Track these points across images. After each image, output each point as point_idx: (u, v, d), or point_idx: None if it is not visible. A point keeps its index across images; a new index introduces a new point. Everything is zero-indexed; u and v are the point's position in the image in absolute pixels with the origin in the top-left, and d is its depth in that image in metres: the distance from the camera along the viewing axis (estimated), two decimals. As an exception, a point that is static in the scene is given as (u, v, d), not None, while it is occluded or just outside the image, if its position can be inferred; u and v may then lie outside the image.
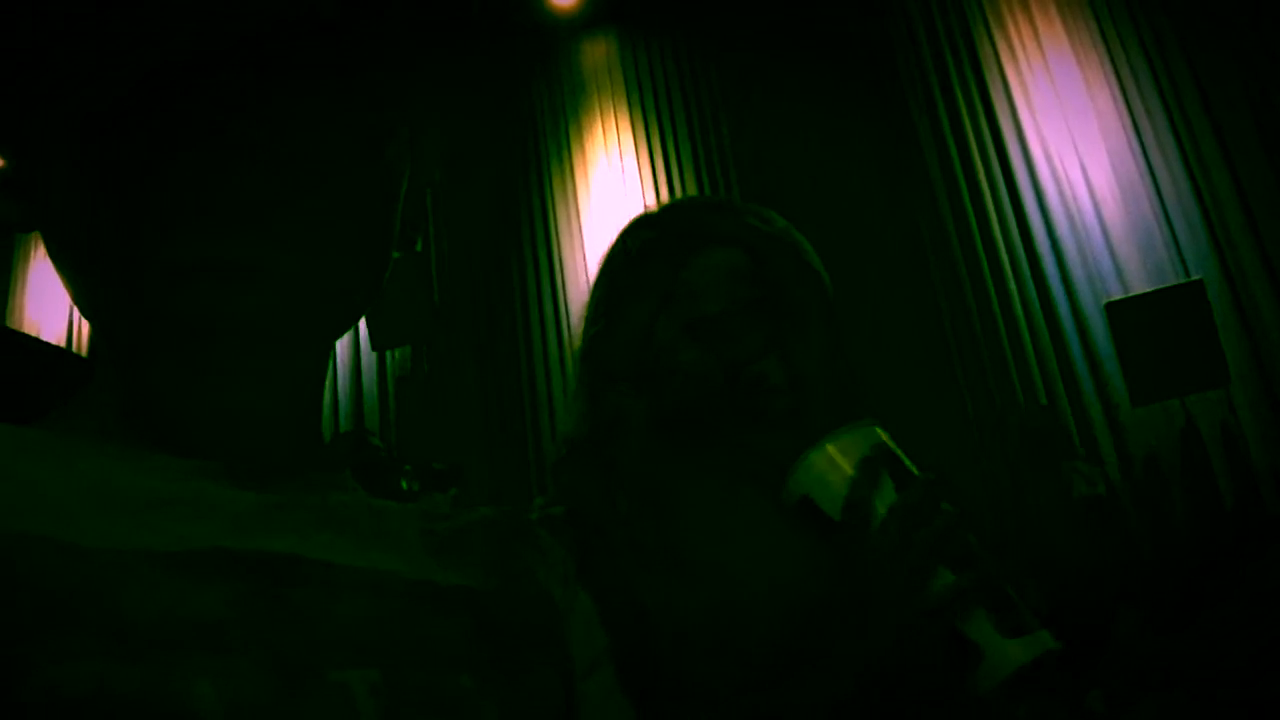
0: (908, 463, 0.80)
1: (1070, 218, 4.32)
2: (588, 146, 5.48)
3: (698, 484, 0.93)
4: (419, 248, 5.31)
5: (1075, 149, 4.38)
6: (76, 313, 5.95)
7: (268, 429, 0.46)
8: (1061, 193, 4.37)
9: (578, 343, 1.03)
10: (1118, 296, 3.86)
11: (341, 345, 5.30)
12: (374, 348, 5.16)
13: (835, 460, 0.79)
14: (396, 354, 5.39)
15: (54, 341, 5.66)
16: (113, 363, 0.46)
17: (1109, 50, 4.46)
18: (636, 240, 1.01)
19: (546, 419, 5.10)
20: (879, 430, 0.82)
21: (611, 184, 5.34)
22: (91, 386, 0.46)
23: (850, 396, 0.97)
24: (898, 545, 0.74)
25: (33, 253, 6.18)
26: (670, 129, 5.35)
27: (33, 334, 5.76)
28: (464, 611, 0.46)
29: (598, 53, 5.64)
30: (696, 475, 0.94)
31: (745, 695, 0.82)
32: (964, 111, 4.70)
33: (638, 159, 5.34)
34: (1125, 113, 4.35)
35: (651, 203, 5.12)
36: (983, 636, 0.72)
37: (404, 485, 3.19)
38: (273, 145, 0.41)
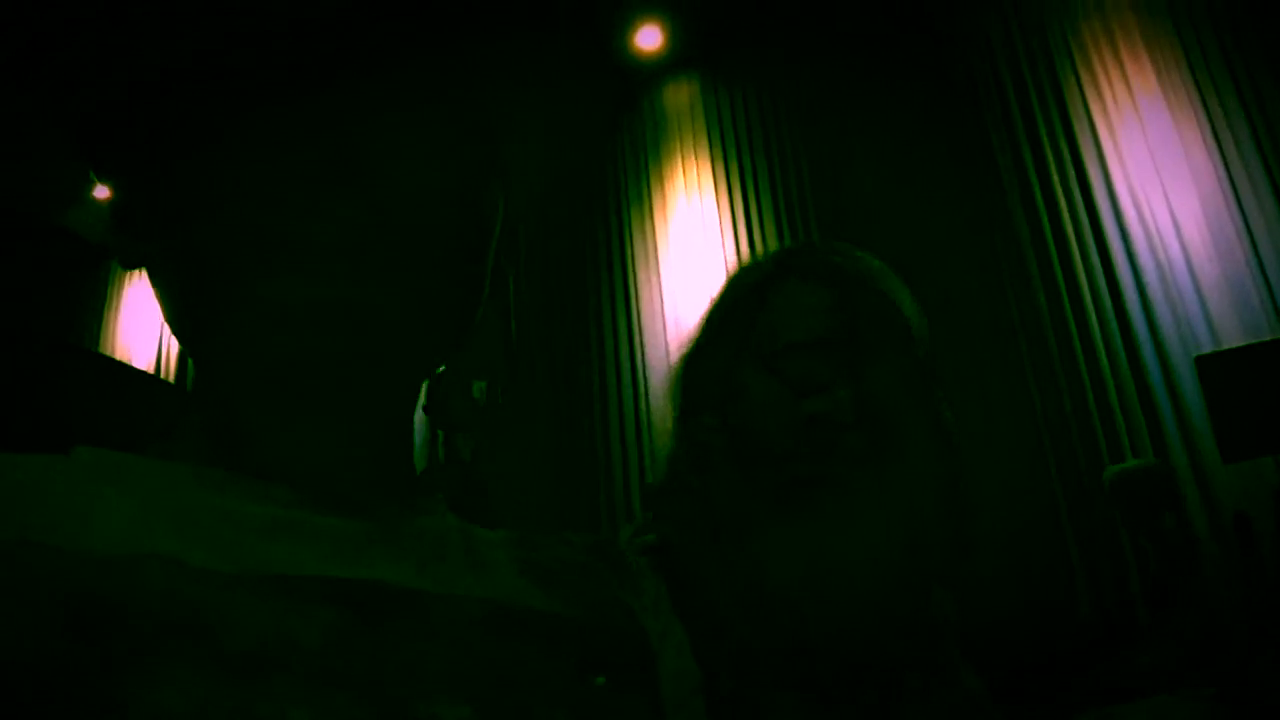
0: None
1: (1159, 268, 4.20)
2: (668, 188, 5.52)
3: (776, 516, 0.93)
4: (511, 285, 5.38)
5: (1165, 197, 4.27)
6: (167, 337, 6.14)
7: (363, 460, 0.47)
8: (1150, 242, 4.26)
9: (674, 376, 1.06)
10: (1208, 350, 3.74)
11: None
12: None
13: None
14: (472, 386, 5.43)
15: (144, 365, 5.84)
16: (209, 395, 0.47)
17: (1202, 95, 4.35)
18: (733, 282, 1.04)
19: (618, 454, 5.09)
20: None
21: (691, 226, 5.35)
22: (190, 416, 0.47)
23: (940, 438, 0.97)
24: None
25: (126, 277, 6.40)
26: (750, 172, 5.35)
27: (124, 357, 5.96)
28: (558, 642, 0.46)
29: (680, 96, 5.68)
30: (774, 507, 0.93)
31: None
32: (1050, 157, 4.61)
33: (717, 202, 5.35)
34: (1218, 160, 4.23)
35: (730, 246, 5.14)
36: None
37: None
38: (374, 183, 0.41)
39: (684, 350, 1.04)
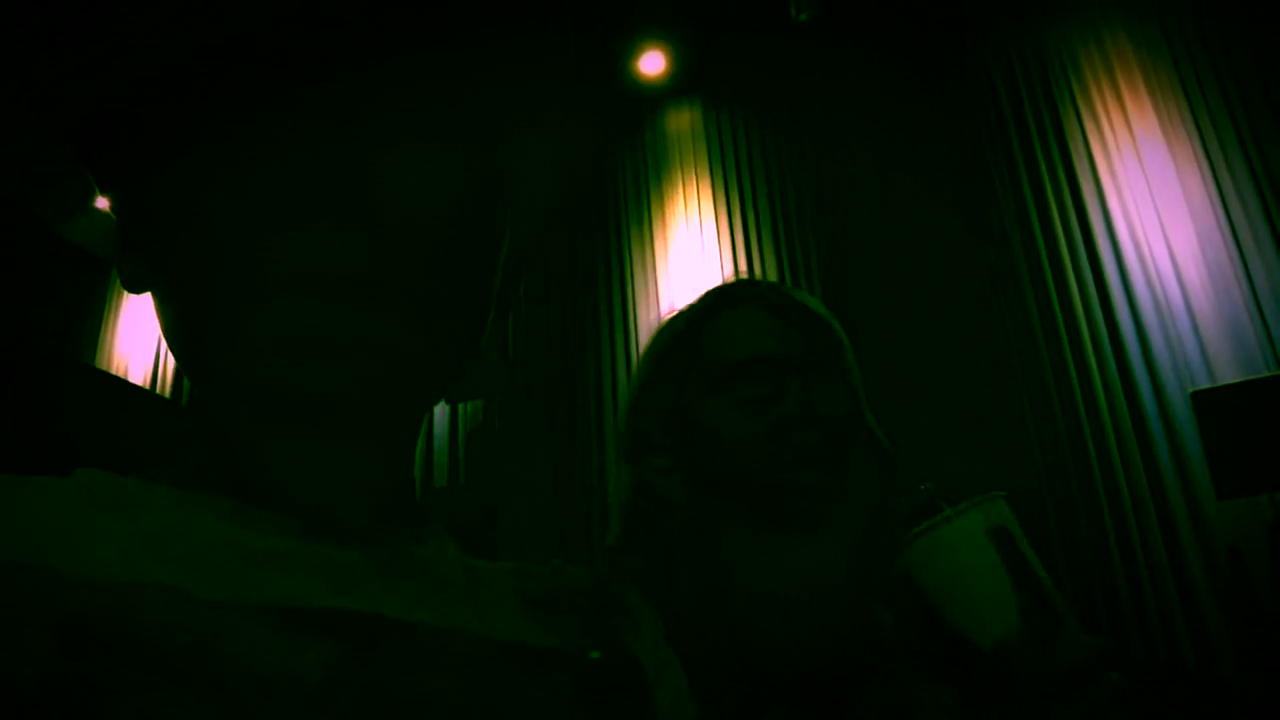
0: (1028, 552, 0.80)
1: (1156, 304, 4.22)
2: (668, 212, 5.53)
3: (744, 535, 0.93)
4: (511, 307, 5.40)
5: (1163, 233, 4.29)
6: (163, 349, 6.14)
7: (365, 490, 0.47)
8: (1148, 278, 4.27)
9: (620, 421, 1.06)
10: (1204, 386, 3.75)
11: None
12: (447, 401, 5.22)
13: (955, 545, 0.79)
14: (469, 407, 5.44)
15: (141, 376, 5.83)
16: (209, 420, 0.47)
17: (1200, 133, 4.37)
18: (667, 323, 1.05)
19: (614, 476, 5.07)
20: (1004, 506, 0.82)
21: (691, 249, 5.37)
22: (190, 439, 0.47)
23: (881, 451, 0.98)
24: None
25: (123, 290, 6.39)
26: (751, 197, 5.37)
27: (122, 368, 5.94)
28: (558, 675, 0.46)
29: (682, 120, 5.71)
30: (742, 526, 0.93)
31: None
32: (1049, 191, 4.63)
33: (717, 225, 5.37)
34: (1216, 197, 4.25)
35: (729, 268, 5.16)
36: None
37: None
38: (379, 211, 0.41)
39: (628, 396, 1.05)
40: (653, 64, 5.52)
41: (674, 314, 1.06)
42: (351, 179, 0.40)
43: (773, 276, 5.01)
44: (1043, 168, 4.69)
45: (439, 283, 0.43)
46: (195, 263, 0.42)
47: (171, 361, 6.04)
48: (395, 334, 0.42)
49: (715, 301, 1.02)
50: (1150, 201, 4.37)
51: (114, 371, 5.88)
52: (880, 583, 0.95)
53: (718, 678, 0.83)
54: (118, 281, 6.29)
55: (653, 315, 5.31)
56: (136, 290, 0.47)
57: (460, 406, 5.39)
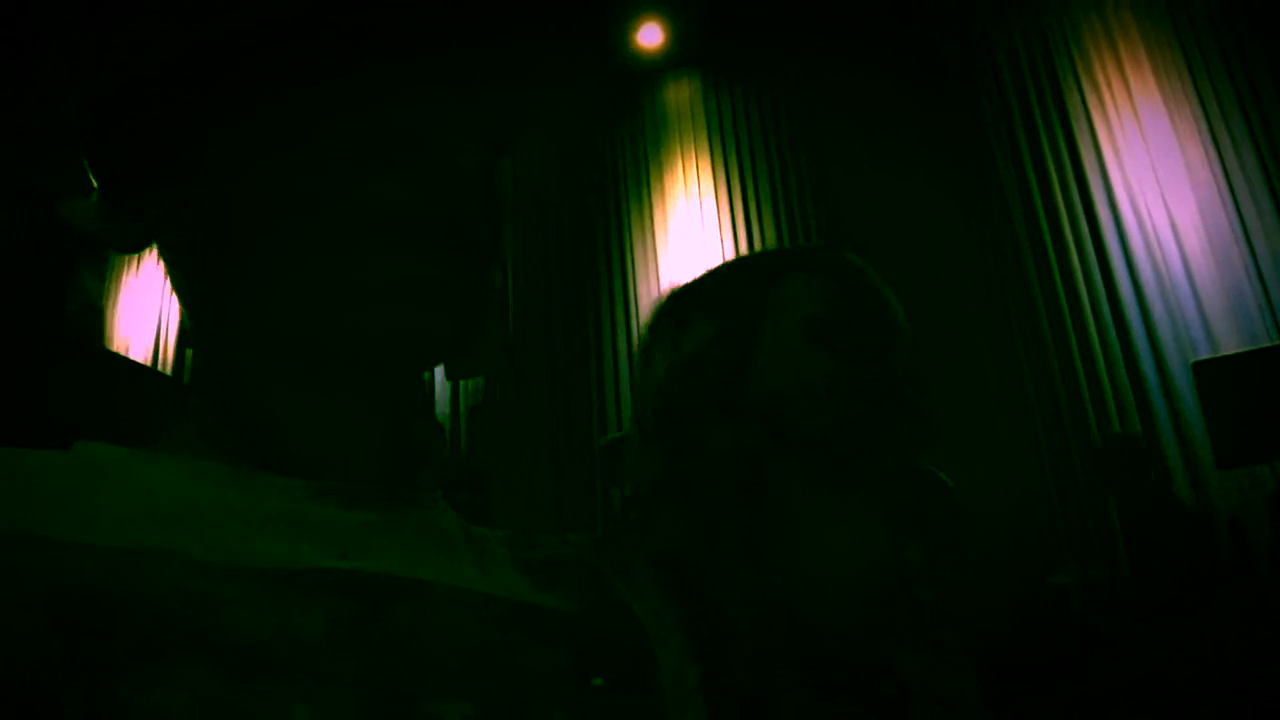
0: None
1: (1157, 273, 4.21)
2: (667, 186, 5.52)
3: (804, 492, 0.91)
4: (510, 282, 5.40)
5: (1164, 203, 4.28)
6: (164, 330, 6.14)
7: (370, 450, 0.47)
8: (1149, 248, 4.26)
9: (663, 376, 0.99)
10: (1205, 356, 3.75)
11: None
12: (448, 378, 5.21)
13: None
14: (470, 384, 5.45)
15: (141, 357, 5.84)
16: (215, 382, 0.46)
17: (1202, 102, 4.36)
18: (734, 274, 1.01)
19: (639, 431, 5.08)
20: None
21: (690, 224, 5.36)
22: (191, 412, 0.47)
23: (924, 421, 0.97)
24: None
25: (124, 271, 6.39)
26: (750, 171, 5.36)
27: (123, 349, 5.95)
28: (559, 639, 0.46)
29: (681, 94, 5.69)
30: (803, 483, 0.91)
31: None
32: (1050, 161, 4.62)
33: (717, 199, 5.36)
34: (1218, 167, 4.24)
35: (729, 243, 5.15)
36: None
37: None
38: (420, 160, 0.42)
39: (674, 351, 0.99)
40: (651, 36, 5.49)
41: (742, 261, 1.04)
42: (394, 128, 0.41)
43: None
44: (1043, 137, 4.67)
45: (468, 237, 0.44)
46: (247, 208, 0.42)
47: (172, 343, 6.04)
48: (427, 282, 0.42)
49: (789, 263, 1.00)
50: (1151, 171, 4.35)
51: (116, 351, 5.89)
52: (929, 562, 0.95)
53: (751, 642, 0.83)
54: (115, 264, 6.28)
55: (652, 288, 5.31)
56: (132, 247, 0.47)
57: (461, 384, 5.40)
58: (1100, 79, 4.61)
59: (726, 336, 0.94)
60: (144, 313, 6.24)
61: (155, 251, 0.48)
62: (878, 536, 0.89)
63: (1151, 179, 4.34)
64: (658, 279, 5.32)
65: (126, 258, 6.02)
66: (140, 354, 6.04)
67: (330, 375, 0.44)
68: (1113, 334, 4.24)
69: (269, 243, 0.42)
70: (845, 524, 0.89)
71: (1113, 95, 4.56)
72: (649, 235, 5.46)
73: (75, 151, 0.46)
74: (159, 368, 5.83)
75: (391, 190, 0.41)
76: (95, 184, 0.47)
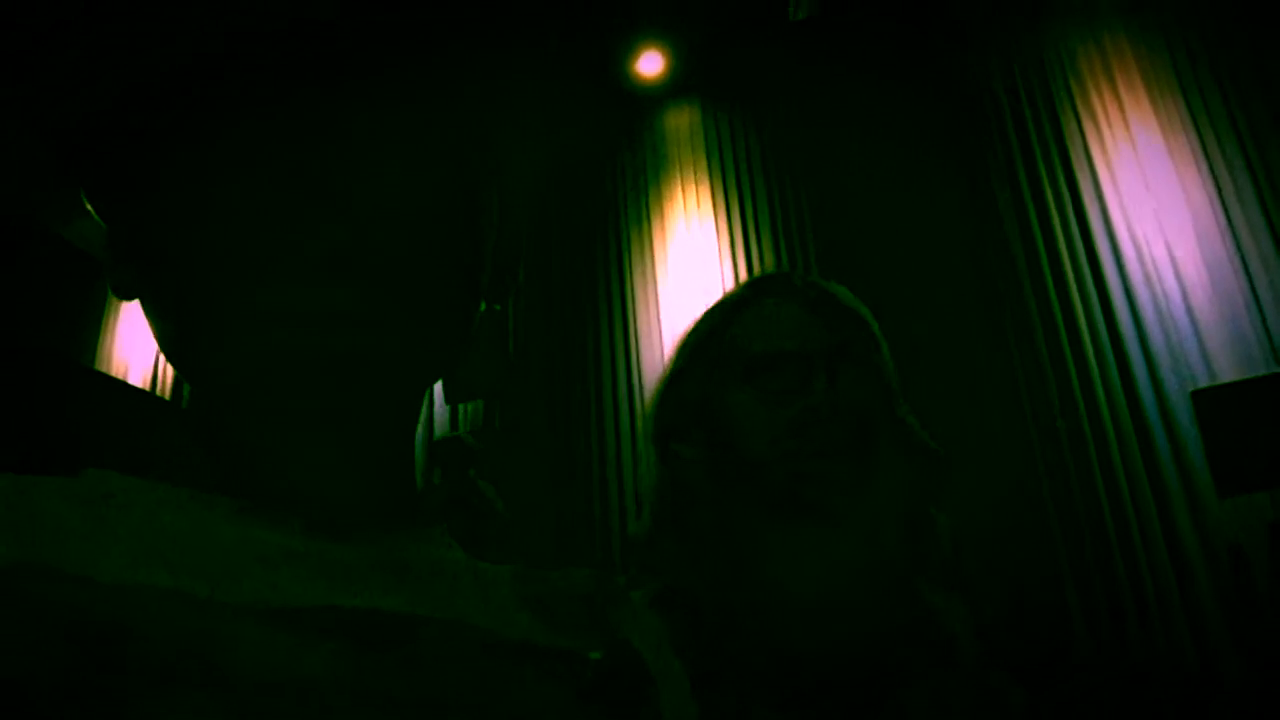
0: None
1: (1156, 303, 4.22)
2: (667, 212, 5.54)
3: (766, 526, 0.94)
4: (510, 307, 5.41)
5: (1162, 233, 4.29)
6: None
7: (364, 485, 0.47)
8: (1147, 276, 4.27)
9: (649, 409, 1.07)
10: (1204, 385, 3.75)
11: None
12: (447, 401, 5.22)
13: None
14: (469, 408, 5.44)
15: (140, 379, 5.83)
16: (209, 419, 0.47)
17: (1199, 131, 4.38)
18: (706, 312, 1.07)
19: (614, 477, 5.09)
20: None
21: (689, 250, 5.37)
22: (189, 438, 0.47)
23: (912, 446, 0.98)
24: None
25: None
26: (750, 198, 5.38)
27: (121, 372, 5.94)
28: (563, 675, 0.46)
29: (680, 120, 5.72)
30: (763, 517, 0.94)
31: None
32: (1048, 190, 4.64)
33: (716, 226, 5.38)
34: (1214, 195, 4.25)
35: (729, 271, 5.16)
36: None
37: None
38: (354, 199, 0.41)
39: (659, 385, 1.05)
40: (651, 64, 5.53)
41: (709, 308, 1.07)
42: (325, 169, 0.41)
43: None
44: (1041, 166, 4.69)
45: (421, 264, 0.43)
46: (185, 265, 0.42)
47: (170, 370, 6.02)
48: (386, 311, 0.42)
49: (748, 293, 1.03)
50: (1149, 201, 4.37)
51: (114, 374, 5.89)
52: (934, 572, 0.96)
53: (741, 669, 0.84)
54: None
55: (651, 314, 5.32)
56: (126, 297, 0.48)
57: (461, 407, 5.39)
58: (1097, 108, 4.64)
59: (691, 379, 1.00)
60: (143, 336, 6.24)
61: None
62: (842, 567, 0.90)
63: (1149, 209, 4.36)
64: (657, 305, 5.33)
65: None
66: (138, 377, 6.03)
67: (302, 411, 0.44)
68: (1111, 362, 4.24)
69: (208, 286, 0.41)
70: (807, 558, 0.90)
71: (1110, 125, 4.58)
72: (649, 261, 5.47)
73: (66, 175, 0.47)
74: (157, 391, 5.83)
75: (327, 229, 0.41)
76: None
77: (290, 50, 0.42)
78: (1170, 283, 4.22)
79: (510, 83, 0.50)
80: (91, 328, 6.35)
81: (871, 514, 0.90)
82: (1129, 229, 4.38)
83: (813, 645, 0.88)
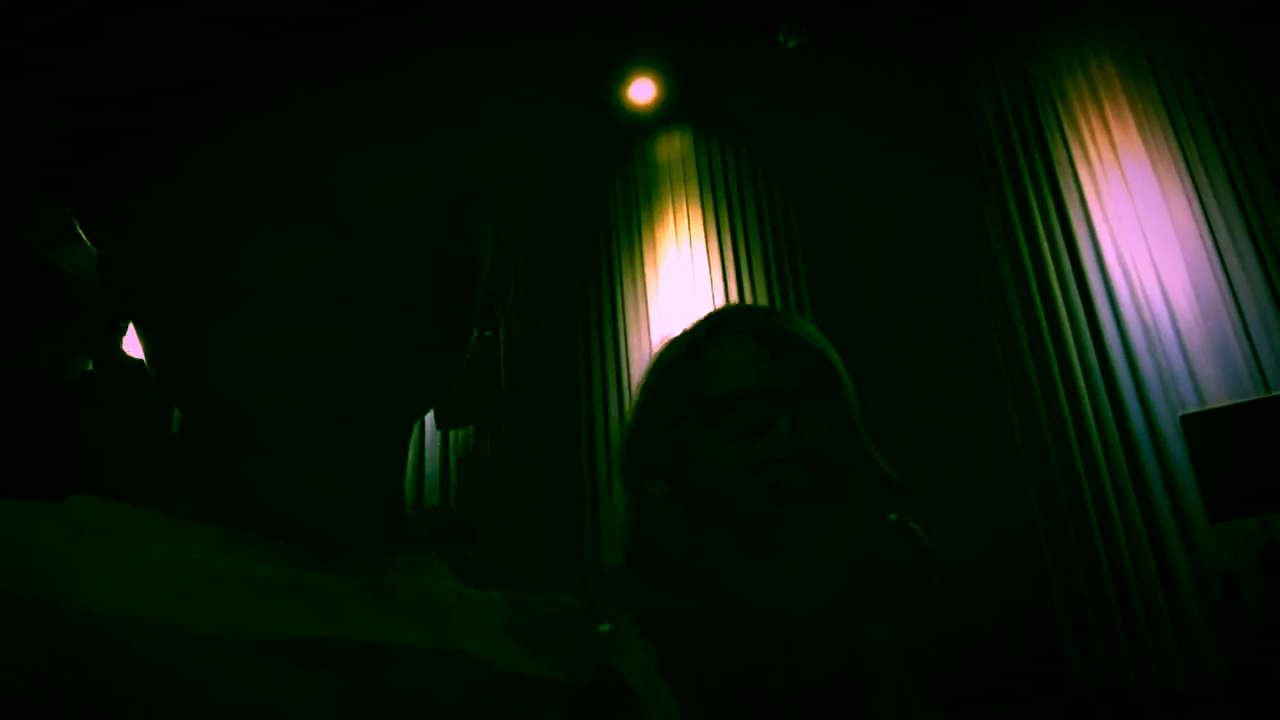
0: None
1: (1145, 327, 4.24)
2: (659, 239, 5.56)
3: (738, 560, 0.94)
4: (501, 332, 5.39)
5: (1151, 258, 4.31)
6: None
7: (352, 513, 0.46)
8: (1136, 301, 4.29)
9: (619, 447, 1.08)
10: (1194, 410, 3.76)
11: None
12: (438, 428, 5.21)
13: None
14: (460, 434, 5.43)
15: (133, 407, 5.80)
16: (192, 446, 0.46)
17: (1185, 156, 4.41)
18: (665, 348, 1.07)
19: (607, 502, 5.07)
20: None
21: (681, 276, 5.38)
22: (184, 467, 0.47)
23: (879, 481, 0.99)
24: None
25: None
26: (741, 225, 5.40)
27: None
28: (550, 703, 0.45)
29: (672, 147, 5.75)
30: (735, 552, 0.94)
31: None
32: (1037, 216, 4.67)
33: (708, 253, 5.39)
34: (1203, 221, 4.28)
35: (720, 297, 5.17)
36: None
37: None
38: (345, 219, 0.40)
39: (627, 421, 1.06)
40: (643, 92, 5.56)
41: (670, 340, 1.07)
42: (321, 193, 0.39)
43: (763, 301, 5.03)
44: (1030, 192, 4.72)
45: (411, 295, 0.42)
46: (170, 290, 0.41)
47: (162, 389, 6.01)
48: (370, 350, 0.41)
49: (708, 330, 1.04)
50: (1137, 226, 4.39)
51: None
52: (879, 607, 0.96)
53: (722, 697, 0.84)
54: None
55: (644, 340, 5.32)
56: (122, 320, 0.47)
57: (451, 433, 5.38)
58: (1085, 134, 4.67)
59: (657, 417, 1.00)
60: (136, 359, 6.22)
61: None
62: (823, 600, 0.91)
63: (1137, 234, 4.38)
64: (649, 329, 5.33)
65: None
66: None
67: (295, 445, 0.43)
68: (1101, 387, 4.25)
69: (202, 319, 0.40)
70: (778, 592, 0.91)
71: (1098, 150, 4.61)
72: (640, 286, 5.48)
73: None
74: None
75: (305, 260, 0.39)
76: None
77: (272, 65, 0.40)
78: (1159, 308, 4.24)
79: (494, 98, 0.49)
80: (96, 340, 6.32)
81: (838, 548, 0.91)
82: (1118, 256, 4.40)
83: (781, 679, 0.89)
